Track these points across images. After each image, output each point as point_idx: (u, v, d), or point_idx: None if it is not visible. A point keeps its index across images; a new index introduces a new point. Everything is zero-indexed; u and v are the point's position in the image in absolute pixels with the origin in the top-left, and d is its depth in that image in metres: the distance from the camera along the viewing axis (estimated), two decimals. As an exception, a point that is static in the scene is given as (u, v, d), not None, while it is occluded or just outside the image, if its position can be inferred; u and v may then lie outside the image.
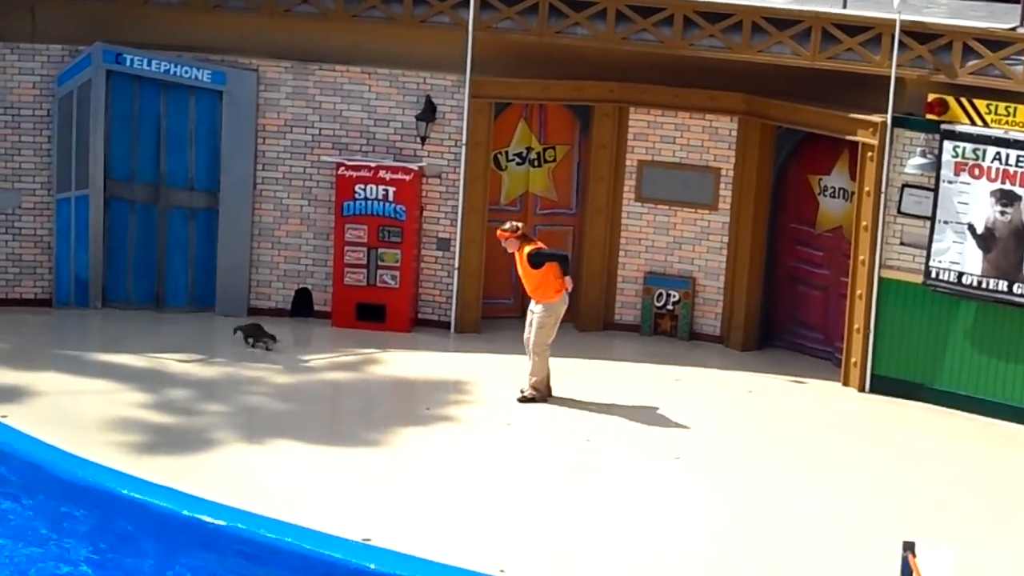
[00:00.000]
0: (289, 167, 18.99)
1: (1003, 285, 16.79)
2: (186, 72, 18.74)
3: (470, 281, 18.98)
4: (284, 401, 16.62)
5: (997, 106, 16.71)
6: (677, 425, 16.51)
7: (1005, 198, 16.74)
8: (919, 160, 17.07)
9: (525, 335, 16.92)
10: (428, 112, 18.69)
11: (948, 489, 15.32)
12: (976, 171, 16.86)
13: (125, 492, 13.96)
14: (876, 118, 17.36)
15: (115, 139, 18.97)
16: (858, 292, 17.71)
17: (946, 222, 17.04)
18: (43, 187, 18.95)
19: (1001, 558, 13.86)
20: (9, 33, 18.79)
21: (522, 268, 16.81)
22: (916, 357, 17.47)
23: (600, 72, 18.89)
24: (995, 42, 16.81)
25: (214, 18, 19.05)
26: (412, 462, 15.20)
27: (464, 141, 18.72)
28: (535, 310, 16.77)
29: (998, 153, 16.70)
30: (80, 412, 15.83)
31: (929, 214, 17.15)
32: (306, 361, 17.74)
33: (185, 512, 13.60)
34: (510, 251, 16.93)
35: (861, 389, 17.78)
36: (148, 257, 19.22)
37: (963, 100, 16.86)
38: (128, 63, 18.73)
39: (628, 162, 19.08)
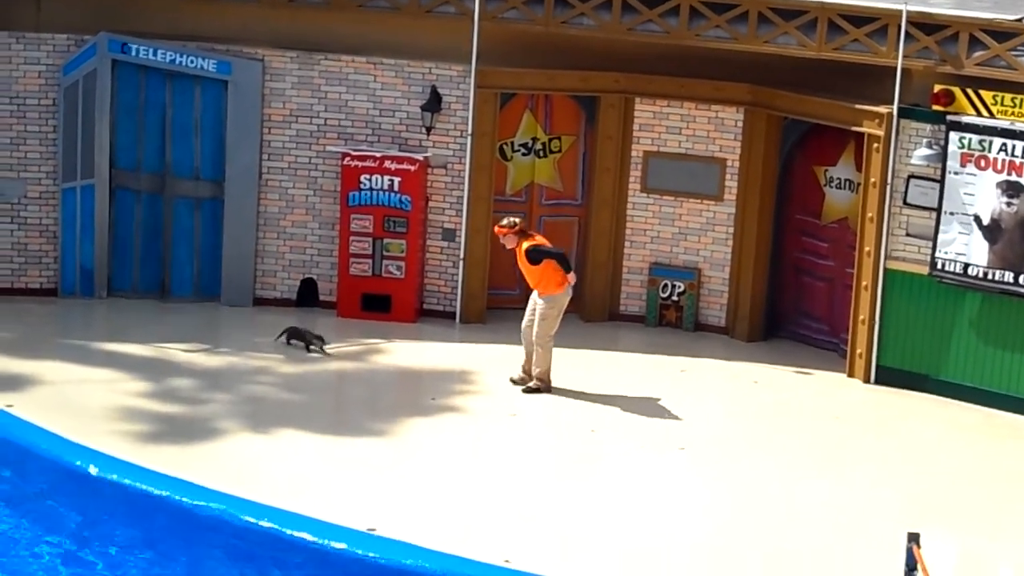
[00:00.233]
0: (294, 157, 18.99)
1: (1009, 276, 16.77)
2: (191, 62, 18.73)
3: (475, 271, 18.98)
4: (289, 391, 16.63)
5: (1003, 97, 16.70)
6: (682, 416, 16.51)
7: (1011, 189, 16.72)
8: (925, 151, 17.05)
9: (523, 323, 16.89)
10: (433, 102, 18.68)
11: (953, 480, 15.31)
12: (982, 162, 16.84)
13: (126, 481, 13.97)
14: (882, 109, 17.34)
15: (120, 129, 18.97)
16: (864, 283, 17.69)
17: (952, 213, 17.02)
18: (48, 177, 18.95)
19: (1005, 549, 13.87)
20: (14, 22, 18.79)
21: (522, 264, 16.80)
22: (921, 348, 17.46)
23: (606, 62, 18.87)
24: (1001, 33, 16.78)
25: (219, 7, 19.04)
26: (417, 452, 15.21)
27: (469, 131, 18.71)
28: (538, 301, 16.77)
29: (1004, 144, 16.68)
30: (85, 401, 15.84)
31: (935, 205, 17.14)
32: (311, 351, 17.74)
33: (189, 501, 13.59)
34: (509, 247, 16.92)
35: (866, 380, 17.77)
36: (153, 247, 19.23)
37: (969, 91, 16.84)
38: (133, 53, 18.72)
39: (634, 153, 19.06)
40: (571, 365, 17.34)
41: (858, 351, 17.82)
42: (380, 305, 18.83)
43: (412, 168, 18.67)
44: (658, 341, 18.73)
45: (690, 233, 19.04)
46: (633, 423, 16.25)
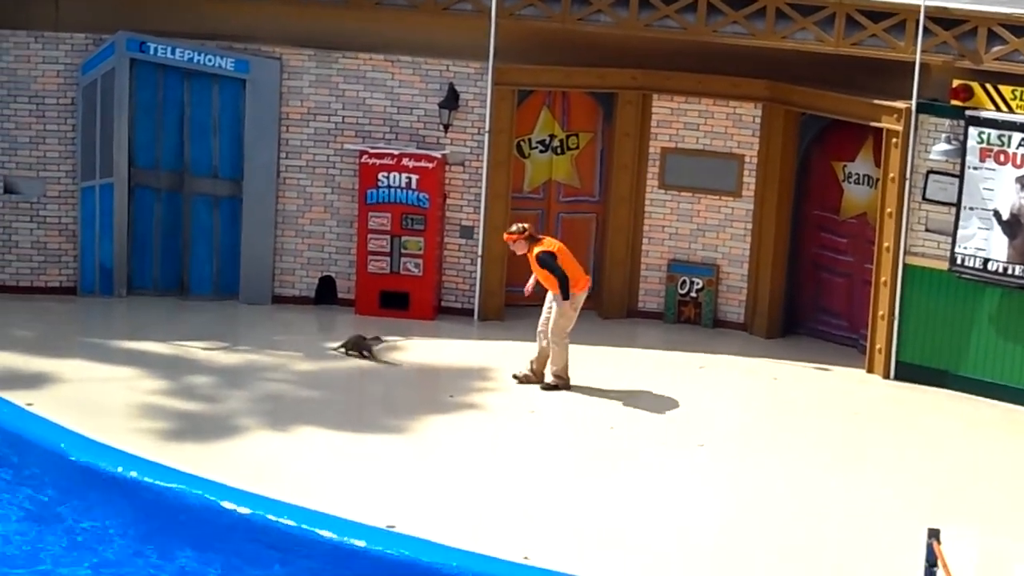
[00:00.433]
0: (312, 155, 19.00)
1: (1028, 271, 16.75)
2: (209, 60, 18.76)
3: (493, 268, 18.98)
4: (308, 388, 16.65)
5: (1022, 92, 16.64)
6: (701, 413, 16.49)
7: (1030, 184, 16.71)
8: (944, 146, 17.02)
9: (539, 324, 16.86)
10: (451, 100, 18.68)
11: (973, 476, 15.28)
12: (1001, 157, 16.80)
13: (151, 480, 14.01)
14: (901, 104, 17.31)
15: (139, 127, 19.01)
16: (883, 279, 17.66)
17: (971, 208, 16.98)
18: (68, 175, 19.00)
19: (1026, 545, 13.85)
20: (33, 22, 18.83)
21: (534, 268, 16.79)
22: (941, 344, 17.42)
23: (623, 59, 18.86)
24: (1020, 28, 16.74)
25: (237, 6, 19.06)
26: (435, 449, 15.21)
27: (487, 128, 18.71)
28: (555, 300, 16.74)
29: (1023, 139, 16.63)
30: (105, 399, 15.87)
31: (954, 200, 17.10)
32: (329, 348, 17.75)
33: (210, 498, 13.62)
34: (519, 253, 16.91)
35: (886, 376, 17.74)
36: (172, 245, 19.26)
37: (988, 86, 16.80)
38: (152, 51, 18.75)
39: (651, 149, 19.05)
40: (590, 362, 17.33)
41: (877, 347, 17.79)
42: (398, 303, 18.84)
43: (430, 166, 18.67)
44: (676, 338, 18.72)
45: (708, 229, 19.02)
46: (652, 420, 16.24)
